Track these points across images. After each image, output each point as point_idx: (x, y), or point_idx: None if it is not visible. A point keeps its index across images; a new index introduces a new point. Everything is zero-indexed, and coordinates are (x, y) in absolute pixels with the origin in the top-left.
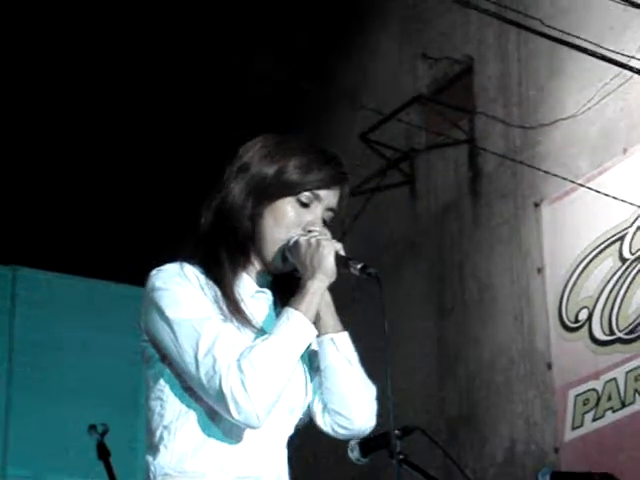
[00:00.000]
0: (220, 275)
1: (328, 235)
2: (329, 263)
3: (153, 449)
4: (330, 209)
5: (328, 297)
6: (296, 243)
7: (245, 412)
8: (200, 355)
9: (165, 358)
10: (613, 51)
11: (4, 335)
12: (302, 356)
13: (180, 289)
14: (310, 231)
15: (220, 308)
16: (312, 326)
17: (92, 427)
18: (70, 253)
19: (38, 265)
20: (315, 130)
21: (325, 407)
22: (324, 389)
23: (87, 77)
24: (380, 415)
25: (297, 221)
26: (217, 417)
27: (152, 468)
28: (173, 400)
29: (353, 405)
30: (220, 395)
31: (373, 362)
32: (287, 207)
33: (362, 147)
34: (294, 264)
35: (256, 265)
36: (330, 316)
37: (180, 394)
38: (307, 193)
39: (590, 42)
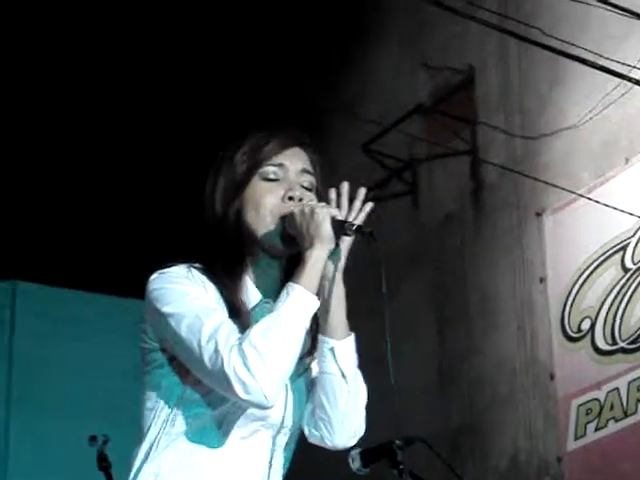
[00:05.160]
0: (222, 284)
1: (314, 198)
2: (325, 229)
3: (136, 462)
4: (304, 171)
5: (341, 292)
6: (291, 215)
7: (253, 391)
8: (203, 341)
9: (172, 360)
10: (614, 60)
11: (4, 349)
12: (293, 377)
13: (185, 285)
14: (291, 197)
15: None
16: (314, 297)
17: (93, 437)
18: (70, 267)
19: (38, 279)
20: (317, 141)
21: (313, 409)
22: (313, 391)
23: (83, 86)
24: (381, 424)
25: (273, 197)
26: (202, 438)
27: None
28: (162, 414)
29: (336, 422)
30: (225, 378)
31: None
32: (257, 189)
33: (364, 158)
34: (298, 245)
35: (260, 264)
36: (338, 317)
37: (170, 409)
38: (267, 167)
39: (591, 52)
